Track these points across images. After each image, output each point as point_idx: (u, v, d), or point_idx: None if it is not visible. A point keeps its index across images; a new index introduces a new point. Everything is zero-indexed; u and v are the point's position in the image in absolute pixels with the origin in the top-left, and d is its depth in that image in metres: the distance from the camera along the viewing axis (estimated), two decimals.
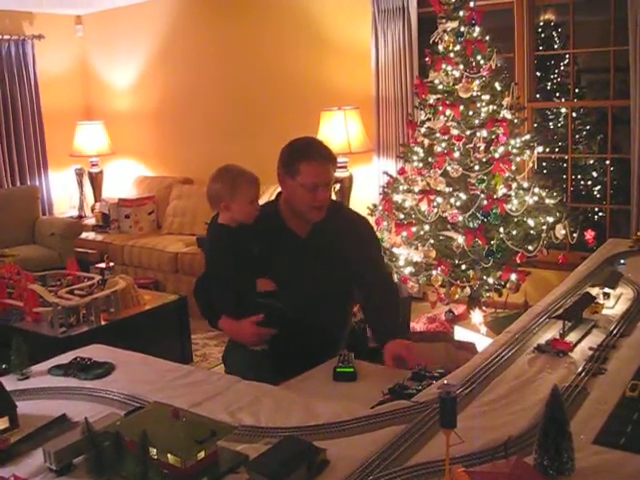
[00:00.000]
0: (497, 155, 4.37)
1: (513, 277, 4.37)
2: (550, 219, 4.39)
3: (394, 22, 5.54)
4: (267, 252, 2.67)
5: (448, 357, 3.39)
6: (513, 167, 4.47)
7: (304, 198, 2.71)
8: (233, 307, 2.69)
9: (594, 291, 2.83)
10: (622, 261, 3.29)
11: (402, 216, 4.61)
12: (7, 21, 7.15)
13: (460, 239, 4.32)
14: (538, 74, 5.56)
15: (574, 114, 5.65)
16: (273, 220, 2.78)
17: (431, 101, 4.62)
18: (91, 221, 7.36)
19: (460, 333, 4.40)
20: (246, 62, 6.70)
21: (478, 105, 4.46)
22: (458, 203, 4.39)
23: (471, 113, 4.47)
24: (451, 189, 4.44)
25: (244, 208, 2.65)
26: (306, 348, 2.68)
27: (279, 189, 2.88)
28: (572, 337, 2.38)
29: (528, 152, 4.53)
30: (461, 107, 4.43)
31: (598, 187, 5.83)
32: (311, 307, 2.70)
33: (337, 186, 5.62)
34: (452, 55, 4.48)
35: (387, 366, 2.57)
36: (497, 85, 4.51)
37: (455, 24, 4.48)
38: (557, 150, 5.79)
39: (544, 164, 5.59)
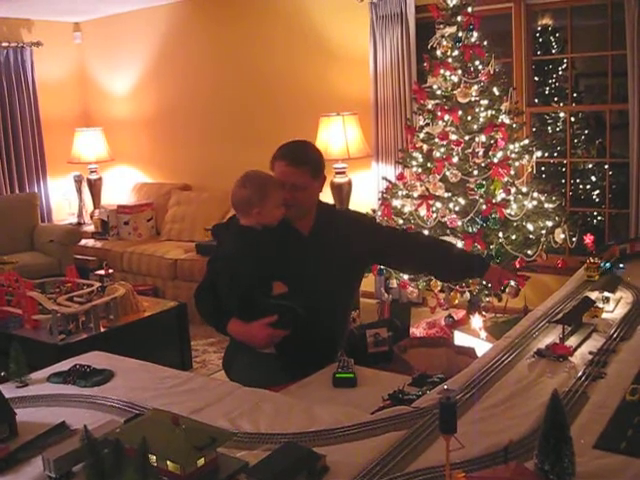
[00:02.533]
0: (496, 160, 4.38)
1: (512, 282, 4.37)
2: (549, 223, 4.39)
3: (392, 28, 5.55)
4: (277, 252, 2.70)
5: (448, 362, 3.38)
6: (512, 172, 4.47)
7: None
8: (245, 308, 2.69)
9: (594, 295, 2.83)
10: (621, 265, 3.29)
11: (401, 221, 4.61)
12: (5, 28, 7.17)
13: (459, 244, 4.32)
14: (536, 79, 5.57)
15: (572, 118, 5.66)
16: None
17: (429, 106, 4.62)
18: (90, 228, 7.36)
19: (460, 338, 4.39)
20: (244, 68, 6.71)
21: (477, 110, 4.47)
22: (457, 208, 4.39)
23: (470, 118, 4.47)
24: (450, 194, 4.44)
25: (272, 211, 2.68)
26: (310, 349, 2.69)
27: None
28: (572, 341, 2.38)
29: (527, 157, 4.54)
30: (459, 112, 4.44)
31: (597, 191, 5.83)
32: (315, 305, 2.70)
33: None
34: (450, 60, 4.49)
35: (494, 288, 3.08)
36: (495, 90, 4.52)
37: (453, 29, 4.48)
38: (556, 154, 5.79)
39: (543, 168, 5.59)
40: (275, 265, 2.67)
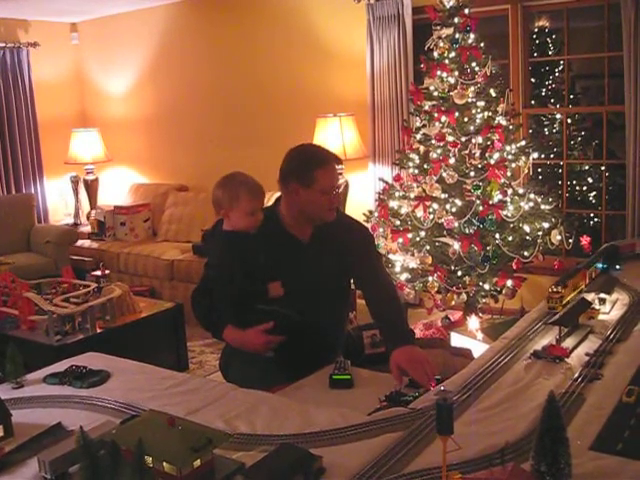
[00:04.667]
0: (492, 161, 4.38)
1: (509, 283, 4.37)
2: (546, 225, 4.39)
3: (389, 29, 5.55)
4: (271, 258, 2.68)
5: (445, 364, 3.39)
6: (508, 173, 4.48)
7: (322, 203, 2.75)
8: (240, 315, 2.68)
9: (590, 297, 2.83)
10: (617, 267, 3.29)
11: (398, 222, 4.61)
12: (2, 29, 7.16)
13: (456, 245, 4.32)
14: (533, 80, 5.57)
15: (569, 120, 5.67)
16: (274, 226, 2.79)
17: (426, 107, 4.62)
18: (87, 229, 7.34)
19: (456, 339, 4.39)
20: (241, 69, 6.71)
21: (473, 112, 4.47)
22: (454, 209, 4.39)
23: (466, 119, 4.47)
24: (447, 195, 4.44)
25: (243, 219, 2.62)
26: (308, 352, 2.69)
27: (277, 194, 2.89)
28: (568, 343, 2.38)
29: (523, 158, 4.54)
30: (456, 114, 4.44)
31: (593, 193, 5.84)
32: (313, 311, 2.70)
33: None
34: (447, 62, 4.49)
35: (394, 377, 2.45)
36: (492, 91, 4.52)
37: (450, 31, 4.48)
38: (552, 156, 5.80)
39: (539, 170, 5.60)
40: (270, 271, 2.66)
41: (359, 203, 5.71)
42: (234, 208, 2.61)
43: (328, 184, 2.75)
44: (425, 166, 4.56)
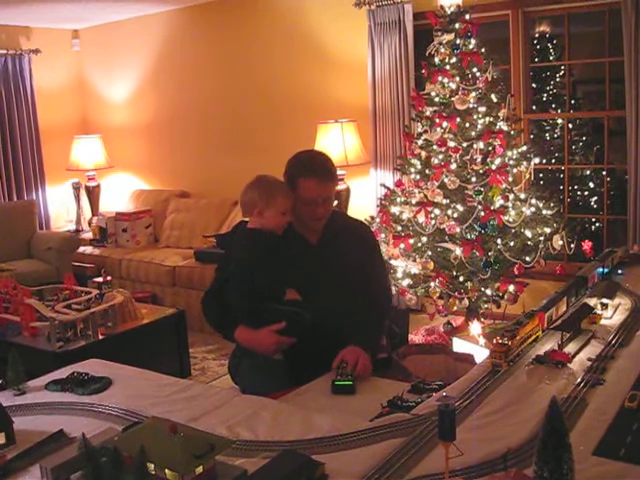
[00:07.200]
0: (494, 167, 4.38)
1: (511, 288, 4.36)
2: (547, 230, 4.39)
3: (390, 35, 5.56)
4: (284, 259, 2.71)
5: (447, 369, 3.38)
6: (510, 178, 4.48)
7: (303, 210, 2.79)
8: (253, 313, 2.69)
9: (592, 302, 2.82)
10: (620, 271, 3.29)
11: (400, 228, 4.61)
12: (4, 35, 7.18)
13: (458, 251, 4.32)
14: (534, 86, 5.58)
15: (570, 125, 5.67)
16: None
17: (428, 113, 4.63)
18: (88, 235, 7.35)
19: (459, 345, 4.39)
20: (242, 75, 6.72)
21: (474, 117, 4.48)
22: (455, 215, 4.39)
23: (468, 125, 4.48)
24: (448, 201, 4.44)
25: (276, 218, 2.69)
26: (316, 355, 2.69)
27: None
28: (570, 348, 2.37)
29: (525, 163, 4.54)
30: (458, 119, 4.44)
31: (595, 197, 5.84)
32: (321, 313, 2.70)
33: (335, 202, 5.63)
34: (448, 67, 4.50)
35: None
36: (493, 97, 4.53)
37: (451, 36, 4.49)
38: (554, 161, 5.80)
39: (541, 175, 5.60)
40: (282, 272, 2.67)
41: (361, 209, 5.71)
42: (270, 207, 2.68)
43: (307, 195, 2.74)
44: (427, 172, 4.56)
